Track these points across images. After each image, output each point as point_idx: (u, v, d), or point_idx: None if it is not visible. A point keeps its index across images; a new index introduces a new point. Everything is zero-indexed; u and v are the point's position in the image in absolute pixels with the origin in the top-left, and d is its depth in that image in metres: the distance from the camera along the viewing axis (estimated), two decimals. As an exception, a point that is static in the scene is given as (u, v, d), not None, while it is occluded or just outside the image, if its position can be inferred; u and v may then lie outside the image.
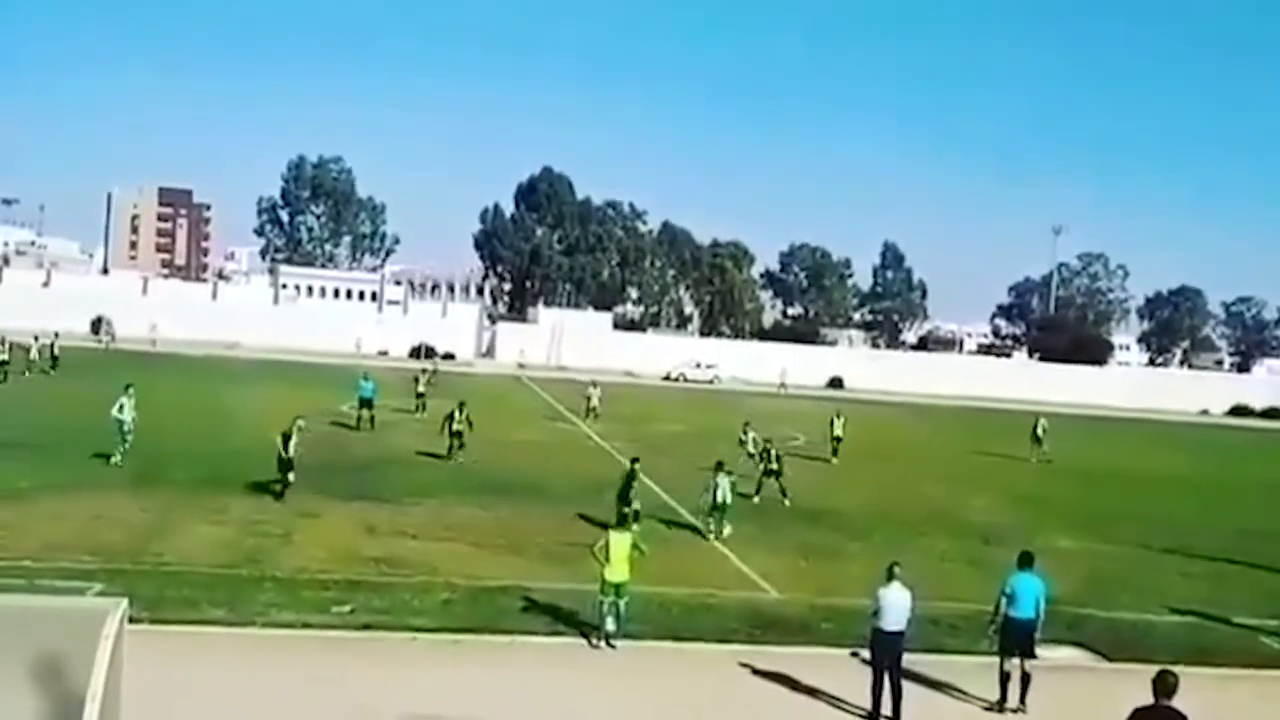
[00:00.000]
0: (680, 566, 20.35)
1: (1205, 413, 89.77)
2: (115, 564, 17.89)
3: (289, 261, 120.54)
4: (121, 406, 27.49)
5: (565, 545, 21.30)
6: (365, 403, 39.17)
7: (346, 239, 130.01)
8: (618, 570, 15.67)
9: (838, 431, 39.51)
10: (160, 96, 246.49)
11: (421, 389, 45.93)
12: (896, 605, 13.87)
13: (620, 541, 15.82)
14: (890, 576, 14.09)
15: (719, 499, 23.91)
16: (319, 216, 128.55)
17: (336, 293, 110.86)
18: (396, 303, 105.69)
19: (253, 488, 24.95)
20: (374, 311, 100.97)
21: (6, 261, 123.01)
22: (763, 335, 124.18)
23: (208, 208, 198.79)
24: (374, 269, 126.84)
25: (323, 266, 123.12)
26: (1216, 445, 61.11)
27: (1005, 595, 14.51)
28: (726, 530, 23.94)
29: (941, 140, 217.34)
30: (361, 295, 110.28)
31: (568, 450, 37.14)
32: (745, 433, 36.39)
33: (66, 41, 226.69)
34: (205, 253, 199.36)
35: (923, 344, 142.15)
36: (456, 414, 33.22)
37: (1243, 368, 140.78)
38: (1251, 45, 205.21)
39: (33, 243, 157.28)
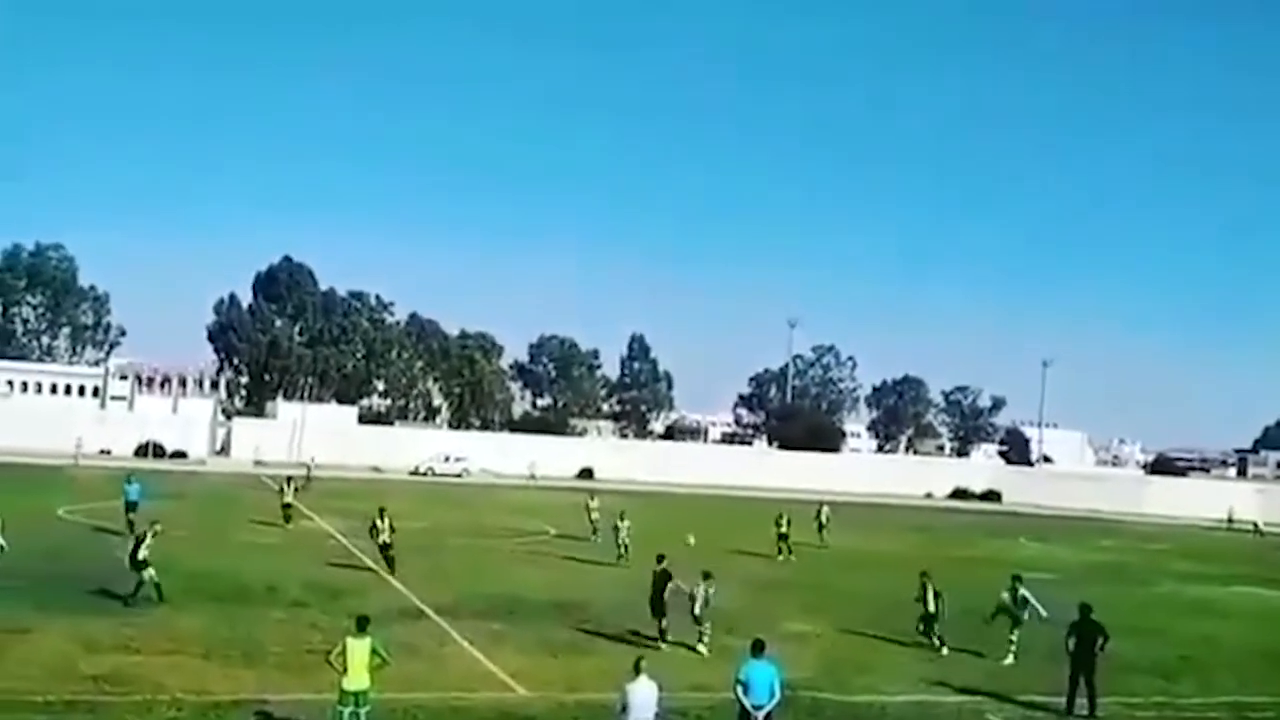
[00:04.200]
0: (427, 670, 19.82)
1: (930, 496, 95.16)
2: None
3: (3, 356, 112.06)
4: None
5: (304, 653, 20.35)
6: (130, 506, 36.63)
7: (66, 330, 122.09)
8: (357, 678, 15.08)
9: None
10: None
11: (289, 499, 42.17)
12: (643, 699, 13.94)
13: (359, 647, 15.26)
14: (637, 670, 14.20)
15: (697, 610, 23.07)
16: (36, 307, 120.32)
17: (55, 388, 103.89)
18: (121, 398, 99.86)
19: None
20: (96, 408, 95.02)
21: None
22: (513, 426, 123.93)
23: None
24: (96, 362, 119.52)
25: (39, 360, 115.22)
26: (940, 527, 64.81)
27: (740, 683, 15.00)
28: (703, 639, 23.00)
29: (682, 231, 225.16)
30: (82, 390, 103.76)
31: (308, 551, 35.69)
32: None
33: None
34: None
35: (669, 433, 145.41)
36: (378, 523, 31.32)
37: (962, 452, 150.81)
38: (960, 142, 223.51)
39: None
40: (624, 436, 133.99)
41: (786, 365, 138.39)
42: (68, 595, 24.86)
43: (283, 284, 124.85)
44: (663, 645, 22.69)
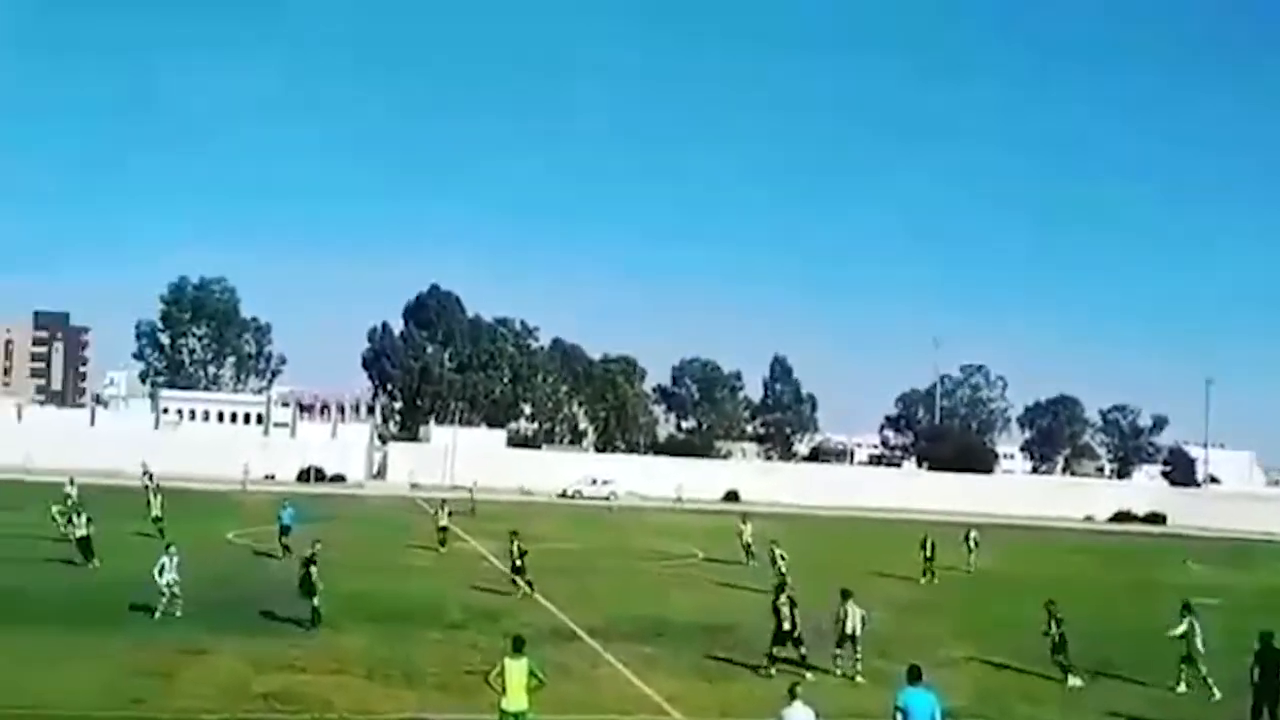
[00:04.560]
0: (582, 692, 20.01)
1: (1089, 519, 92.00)
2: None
3: (171, 385, 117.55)
4: (163, 568, 25.82)
5: (463, 674, 20.75)
6: (283, 530, 38.08)
7: (230, 360, 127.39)
8: (516, 699, 15.28)
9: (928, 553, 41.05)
10: (34, 220, 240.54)
11: (443, 522, 42.63)
12: (801, 725, 13.82)
13: (517, 668, 15.46)
14: (792, 696, 14.09)
15: (848, 630, 22.66)
16: (201, 338, 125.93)
17: (221, 416, 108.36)
18: (284, 425, 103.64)
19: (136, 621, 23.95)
20: (260, 435, 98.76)
21: None
22: (657, 449, 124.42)
23: (85, 332, 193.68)
24: (259, 391, 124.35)
25: (205, 389, 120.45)
26: (1101, 550, 62.56)
27: (900, 710, 14.72)
28: (857, 666, 22.55)
29: (821, 251, 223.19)
30: (247, 418, 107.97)
31: (462, 573, 36.41)
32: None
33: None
34: (83, 378, 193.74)
35: (815, 455, 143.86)
36: (511, 548, 32.42)
37: (1122, 474, 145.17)
38: (1115, 157, 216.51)
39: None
40: (768, 459, 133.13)
41: (934, 385, 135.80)
42: (237, 617, 25.83)
43: (432, 311, 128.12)
44: (809, 674, 22.19)
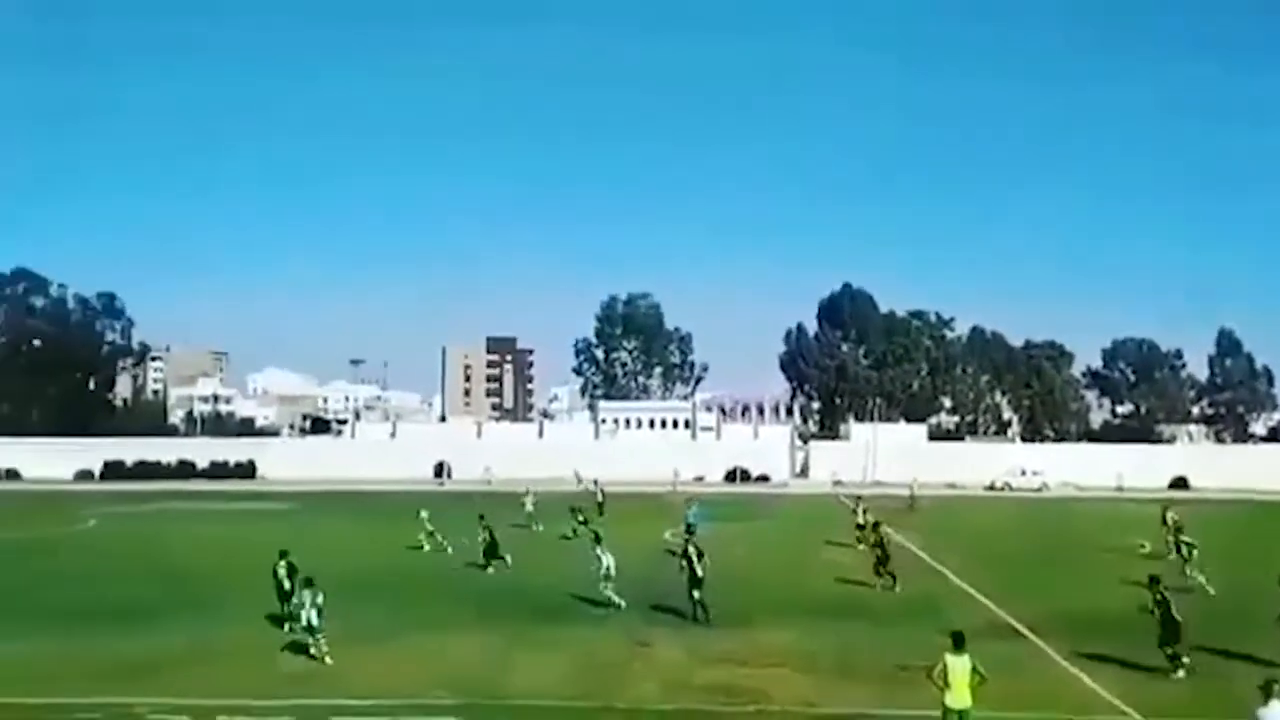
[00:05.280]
0: (1028, 690, 19.23)
1: None
2: (468, 699, 18.81)
3: (607, 397, 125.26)
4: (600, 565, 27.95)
5: (898, 669, 20.60)
6: (689, 529, 39.64)
7: (658, 370, 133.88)
8: (959, 696, 15.01)
9: None
10: (481, 252, 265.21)
11: (861, 520, 42.01)
12: (1279, 728, 12.62)
13: (959, 665, 15.17)
14: (1267, 695, 12.89)
15: None
16: (631, 351, 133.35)
17: (652, 423, 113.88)
18: (709, 429, 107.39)
19: (589, 615, 25.76)
20: (688, 439, 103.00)
21: (358, 416, 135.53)
22: (1091, 436, 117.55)
23: (530, 353, 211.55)
24: (685, 397, 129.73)
25: (637, 398, 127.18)
26: None
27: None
28: None
29: (1269, 206, 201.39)
30: (675, 424, 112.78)
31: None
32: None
33: (394, 215, 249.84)
34: (530, 394, 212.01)
35: (1275, 435, 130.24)
36: (872, 541, 33.10)
37: None
38: None
39: (379, 397, 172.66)
40: (1219, 441, 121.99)
41: None
42: (672, 611, 26.83)
43: (845, 310, 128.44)
44: (1180, 672, 20.44)
